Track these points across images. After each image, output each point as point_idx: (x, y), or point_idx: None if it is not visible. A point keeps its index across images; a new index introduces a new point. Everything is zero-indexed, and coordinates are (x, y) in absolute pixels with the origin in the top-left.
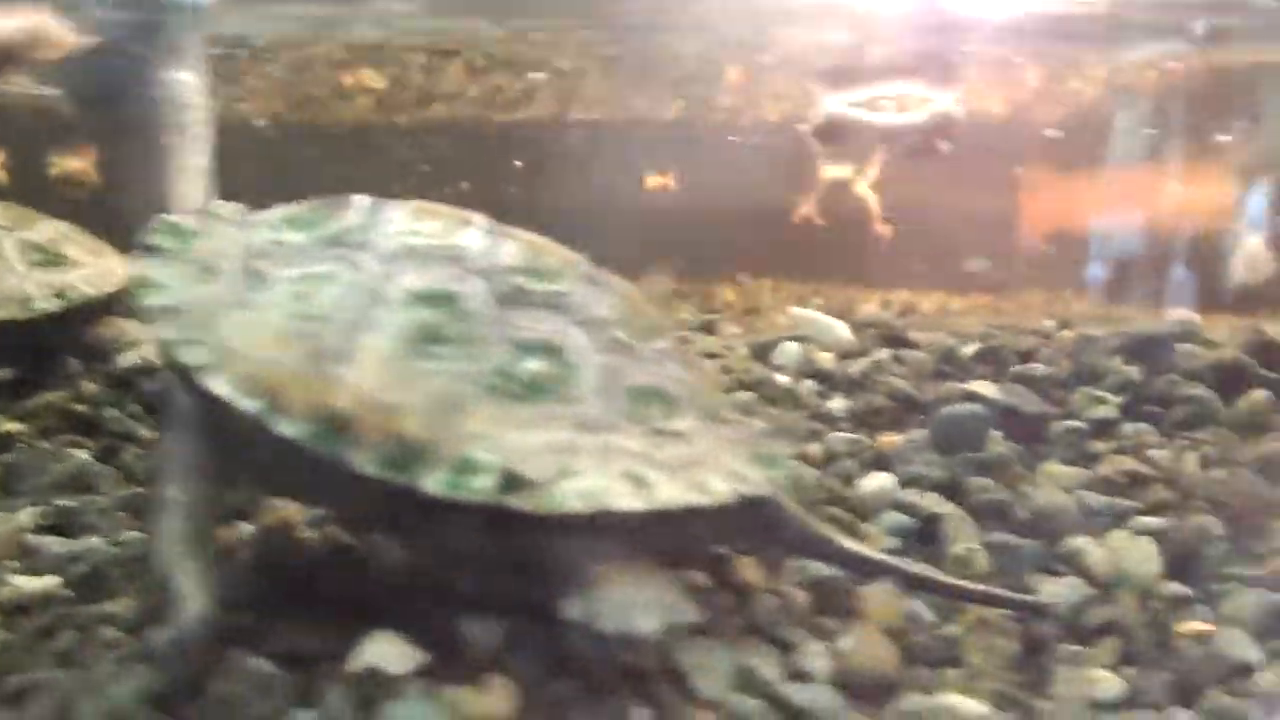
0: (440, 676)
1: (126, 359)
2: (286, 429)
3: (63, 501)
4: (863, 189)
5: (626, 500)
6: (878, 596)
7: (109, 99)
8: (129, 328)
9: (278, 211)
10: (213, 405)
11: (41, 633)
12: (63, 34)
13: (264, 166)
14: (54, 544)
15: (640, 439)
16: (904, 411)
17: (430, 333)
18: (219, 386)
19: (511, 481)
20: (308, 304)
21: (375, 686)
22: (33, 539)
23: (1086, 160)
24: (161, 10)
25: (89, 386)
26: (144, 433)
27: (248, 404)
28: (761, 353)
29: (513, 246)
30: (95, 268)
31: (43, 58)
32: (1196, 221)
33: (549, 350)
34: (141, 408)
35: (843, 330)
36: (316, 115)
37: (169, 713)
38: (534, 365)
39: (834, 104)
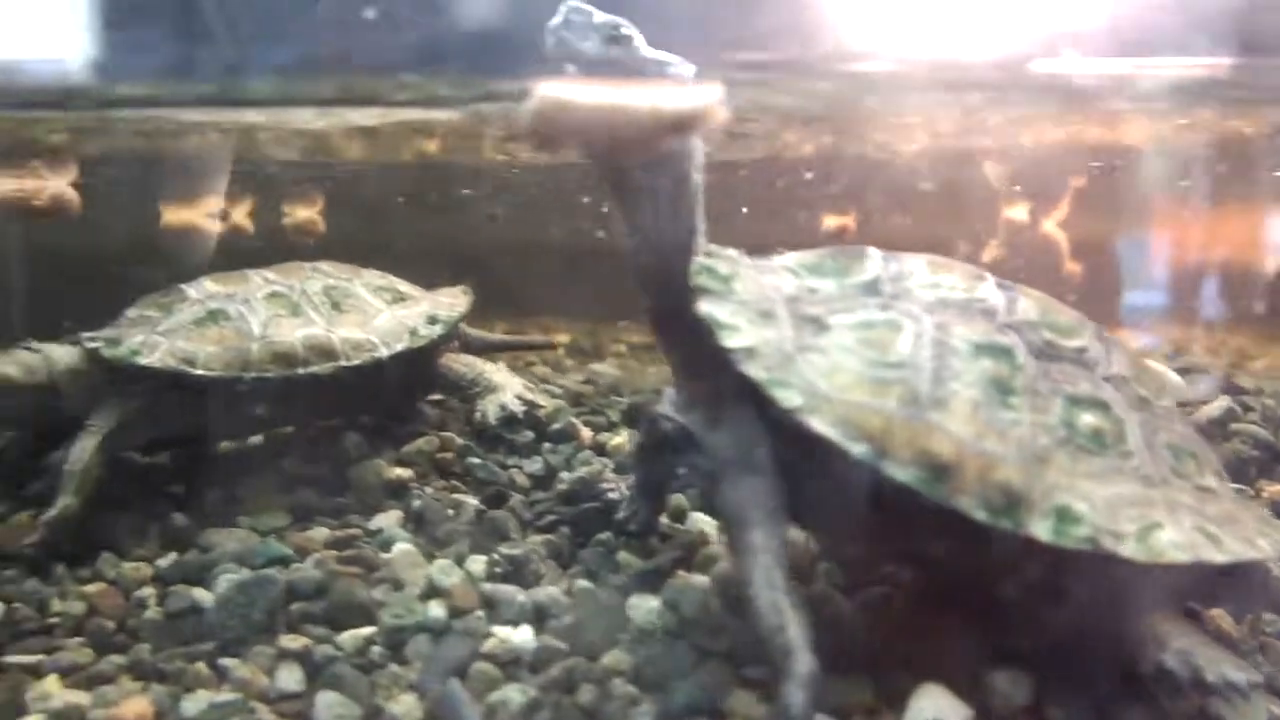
0: None
1: (490, 411)
2: (896, 473)
3: (505, 550)
4: (1050, 228)
5: (1211, 553)
6: None
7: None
8: (477, 364)
9: (789, 258)
10: (802, 447)
11: (559, 687)
12: (723, 108)
13: None
14: (515, 593)
15: (1189, 494)
16: (1271, 461)
17: (1003, 384)
18: (822, 428)
19: (1108, 531)
20: (885, 352)
21: None
22: (488, 588)
23: None
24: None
25: (450, 436)
26: (520, 480)
27: (855, 448)
28: None
29: (1027, 302)
30: (432, 302)
31: (698, 131)
32: None
33: (1099, 405)
34: (513, 454)
35: (1172, 375)
36: None
37: None
38: (1092, 419)
39: None
